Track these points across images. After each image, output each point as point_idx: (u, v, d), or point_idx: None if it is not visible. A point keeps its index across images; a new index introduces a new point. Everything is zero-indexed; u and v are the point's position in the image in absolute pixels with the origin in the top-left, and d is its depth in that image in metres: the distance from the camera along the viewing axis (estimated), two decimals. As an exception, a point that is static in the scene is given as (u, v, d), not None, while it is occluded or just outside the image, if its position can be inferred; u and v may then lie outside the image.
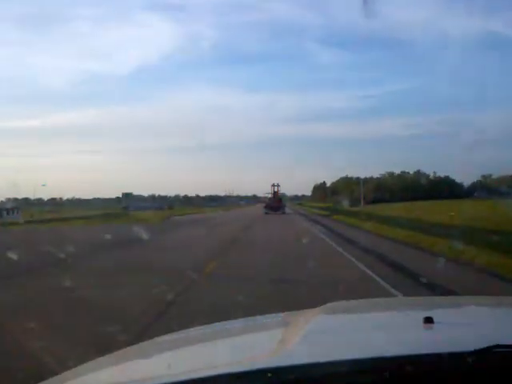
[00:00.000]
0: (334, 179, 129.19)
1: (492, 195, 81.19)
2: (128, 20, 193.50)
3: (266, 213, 52.29)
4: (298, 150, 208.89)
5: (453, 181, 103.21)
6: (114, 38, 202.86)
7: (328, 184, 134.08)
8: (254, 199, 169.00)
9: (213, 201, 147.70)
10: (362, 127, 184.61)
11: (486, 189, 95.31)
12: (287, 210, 60.07)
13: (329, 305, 2.04)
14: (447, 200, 63.37)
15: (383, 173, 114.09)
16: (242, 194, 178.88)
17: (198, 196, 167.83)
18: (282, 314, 2.18)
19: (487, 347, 1.11)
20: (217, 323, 2.11)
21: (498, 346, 1.12)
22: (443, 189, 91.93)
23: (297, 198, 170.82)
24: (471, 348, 1.11)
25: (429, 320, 1.45)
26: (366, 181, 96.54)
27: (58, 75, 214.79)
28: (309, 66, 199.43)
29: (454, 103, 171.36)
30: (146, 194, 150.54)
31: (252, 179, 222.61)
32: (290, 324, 1.83)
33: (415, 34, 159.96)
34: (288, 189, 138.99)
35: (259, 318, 2.18)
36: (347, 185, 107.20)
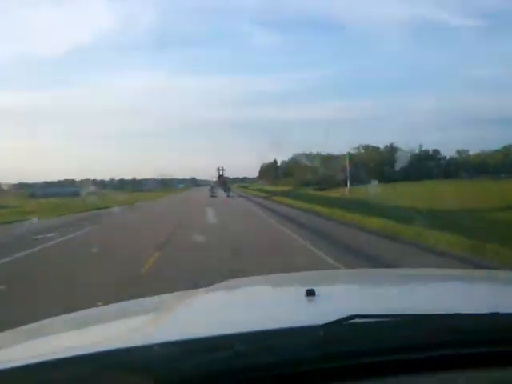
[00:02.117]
0: (285, 159, 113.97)
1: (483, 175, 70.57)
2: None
3: (212, 196, 51.92)
4: (239, 133, 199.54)
5: (444, 157, 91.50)
6: (48, 18, 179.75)
7: (279, 165, 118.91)
8: (193, 182, 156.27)
9: (147, 185, 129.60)
10: (307, 109, 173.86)
11: (472, 167, 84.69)
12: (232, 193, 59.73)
13: (223, 283, 2.03)
14: (451, 180, 51.81)
15: (356, 146, 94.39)
16: (180, 177, 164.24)
17: (134, 179, 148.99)
18: (170, 295, 2.04)
19: (339, 319, 1.10)
20: (95, 308, 2.04)
21: (353, 316, 1.10)
22: (431, 165, 79.84)
23: (239, 181, 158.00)
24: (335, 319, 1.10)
25: (310, 293, 1.43)
26: (332, 157, 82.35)
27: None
28: (250, 49, 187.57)
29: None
30: (79, 178, 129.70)
31: (191, 163, 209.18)
32: (168, 305, 1.72)
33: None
34: (231, 172, 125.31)
35: (150, 300, 2.04)
36: (309, 162, 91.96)
